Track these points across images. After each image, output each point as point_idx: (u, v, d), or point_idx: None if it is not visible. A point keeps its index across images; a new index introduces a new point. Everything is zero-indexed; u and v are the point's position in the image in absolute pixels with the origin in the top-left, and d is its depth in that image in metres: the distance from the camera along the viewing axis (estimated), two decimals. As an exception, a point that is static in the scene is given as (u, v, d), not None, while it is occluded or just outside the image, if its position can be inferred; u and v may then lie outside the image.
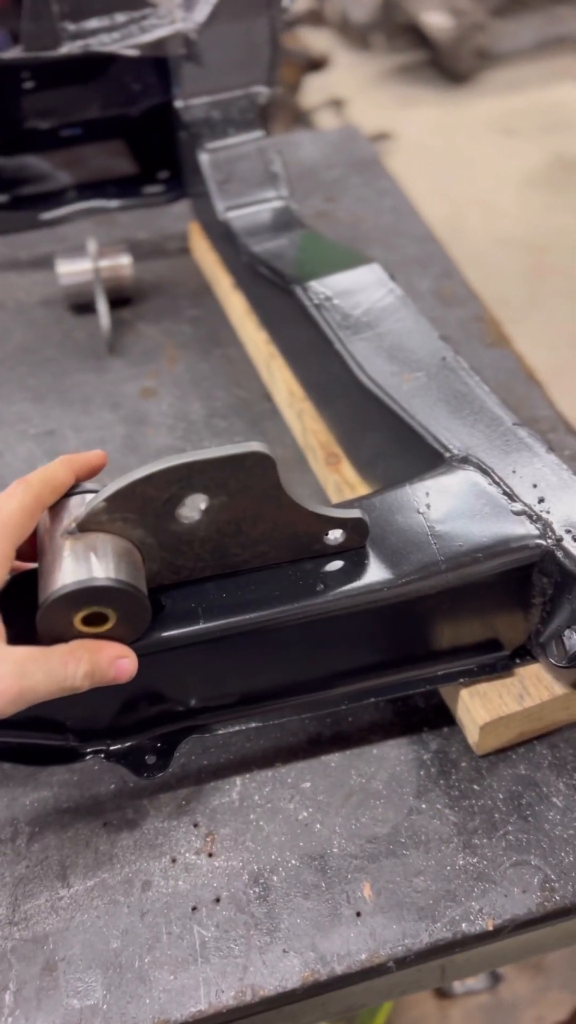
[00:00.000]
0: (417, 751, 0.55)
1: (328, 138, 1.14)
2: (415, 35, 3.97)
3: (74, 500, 0.45)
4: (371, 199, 1.02)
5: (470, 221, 2.98)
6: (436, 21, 3.72)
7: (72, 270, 0.86)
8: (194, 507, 0.44)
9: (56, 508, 0.45)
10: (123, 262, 0.87)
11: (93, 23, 0.82)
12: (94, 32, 0.81)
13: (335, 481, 0.66)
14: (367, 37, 4.06)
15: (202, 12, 0.81)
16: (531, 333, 2.52)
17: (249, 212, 0.79)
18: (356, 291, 0.65)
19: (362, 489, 0.64)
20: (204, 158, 0.81)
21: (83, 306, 0.89)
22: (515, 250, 2.86)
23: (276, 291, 0.71)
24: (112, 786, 0.54)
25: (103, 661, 0.43)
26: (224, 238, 0.81)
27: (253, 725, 0.52)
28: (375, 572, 0.47)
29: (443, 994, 0.94)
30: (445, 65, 3.83)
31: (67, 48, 0.80)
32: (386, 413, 0.57)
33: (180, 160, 0.90)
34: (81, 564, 0.41)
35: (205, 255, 0.90)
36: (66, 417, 0.79)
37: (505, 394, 0.77)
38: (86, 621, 0.43)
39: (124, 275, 0.87)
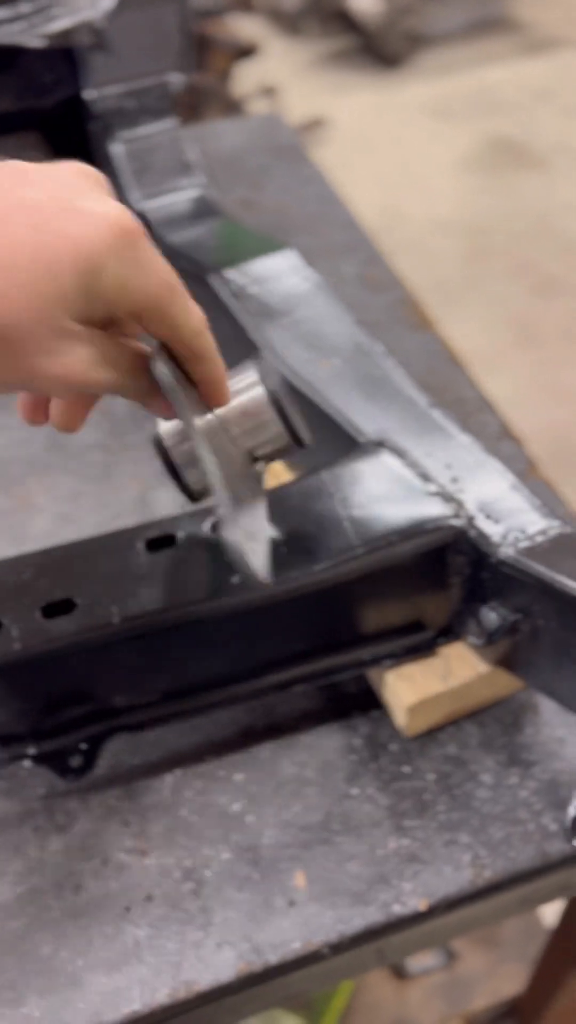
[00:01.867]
0: (348, 737, 0.55)
1: (251, 126, 1.13)
2: (346, 20, 3.96)
3: None
4: (296, 187, 1.02)
5: (407, 205, 2.99)
6: (365, 6, 3.71)
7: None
8: None
9: None
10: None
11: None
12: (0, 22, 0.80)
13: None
14: (298, 23, 4.04)
15: (108, 0, 0.80)
16: (470, 315, 2.54)
17: (165, 202, 0.78)
18: (272, 278, 0.64)
19: (285, 476, 0.64)
20: (117, 148, 0.80)
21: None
22: (452, 233, 2.88)
23: (194, 281, 0.70)
24: (41, 790, 0.53)
25: None
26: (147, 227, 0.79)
27: (180, 720, 0.51)
28: (293, 561, 0.47)
29: (400, 975, 0.95)
30: (377, 50, 3.83)
31: (-30, 40, 0.78)
32: (303, 401, 0.56)
33: (93, 152, 0.88)
34: None
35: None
36: (-12, 418, 0.77)
37: (430, 376, 0.77)
38: None
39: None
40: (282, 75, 3.62)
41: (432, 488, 0.49)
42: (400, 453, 0.51)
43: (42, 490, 0.71)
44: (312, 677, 0.52)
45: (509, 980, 0.95)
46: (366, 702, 0.56)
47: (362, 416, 0.54)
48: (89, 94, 0.83)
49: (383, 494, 0.49)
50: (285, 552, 0.47)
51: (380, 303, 0.86)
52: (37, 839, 0.51)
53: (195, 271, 0.69)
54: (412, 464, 0.50)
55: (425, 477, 0.50)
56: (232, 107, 2.96)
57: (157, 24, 0.82)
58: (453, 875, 0.49)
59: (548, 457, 0.77)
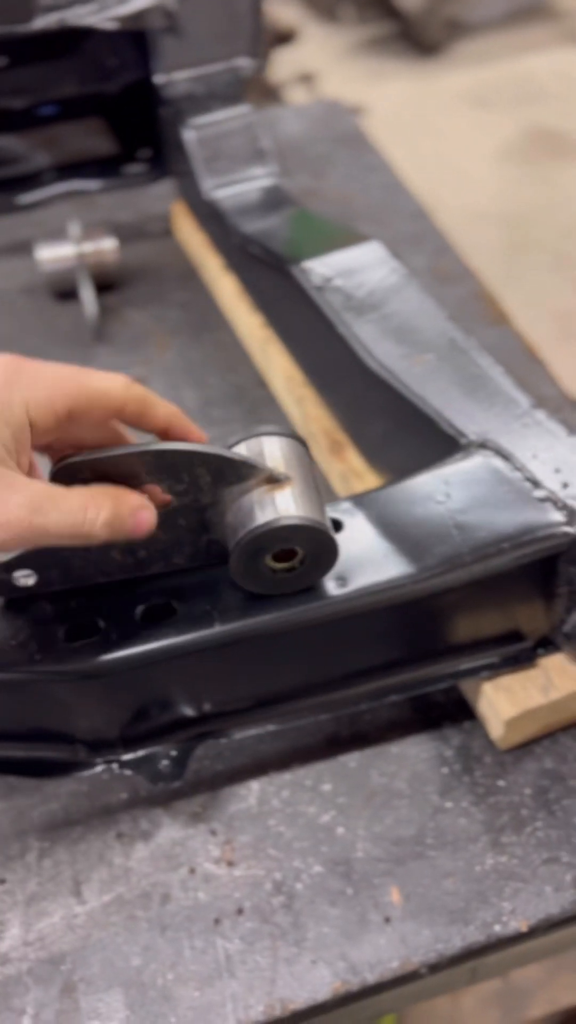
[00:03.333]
0: (438, 748, 0.53)
1: (311, 113, 1.10)
2: (384, 6, 3.91)
3: None
4: (359, 175, 0.99)
5: (446, 195, 2.94)
6: (405, -8, 3.66)
7: (54, 256, 0.82)
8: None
9: None
10: (107, 246, 0.83)
11: (68, -6, 0.78)
12: (69, 4, 0.78)
13: (340, 470, 0.64)
14: (335, 9, 3.99)
15: (182, -19, 0.78)
16: (511, 308, 2.51)
17: (238, 191, 0.76)
18: (357, 271, 0.62)
19: (369, 477, 0.62)
20: (189, 135, 0.78)
21: (67, 293, 0.85)
22: (492, 224, 2.84)
23: (271, 273, 0.68)
24: (124, 795, 0.52)
25: (124, 509, 0.39)
26: (212, 218, 0.78)
27: (269, 728, 0.50)
28: (397, 566, 0.45)
29: (455, 981, 0.94)
30: (415, 37, 3.78)
31: (42, 22, 0.76)
32: (395, 398, 0.54)
33: (162, 138, 0.86)
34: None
35: (191, 236, 0.87)
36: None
37: (508, 374, 0.75)
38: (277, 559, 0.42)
39: (108, 259, 0.84)
40: (319, 62, 3.58)
41: (542, 493, 0.47)
42: (505, 456, 0.49)
43: (112, 484, 0.69)
44: (406, 687, 0.51)
45: (566, 989, 0.93)
46: (456, 711, 0.54)
47: (462, 416, 0.52)
48: (159, 79, 0.81)
49: (490, 499, 0.47)
50: (388, 556, 0.46)
51: (452, 296, 0.83)
52: (122, 846, 0.50)
53: (273, 262, 0.67)
54: (519, 467, 0.48)
55: (534, 481, 0.48)
56: (270, 93, 2.93)
57: (229, 7, 0.80)
58: (554, 895, 0.47)
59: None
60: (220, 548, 0.44)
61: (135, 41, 0.86)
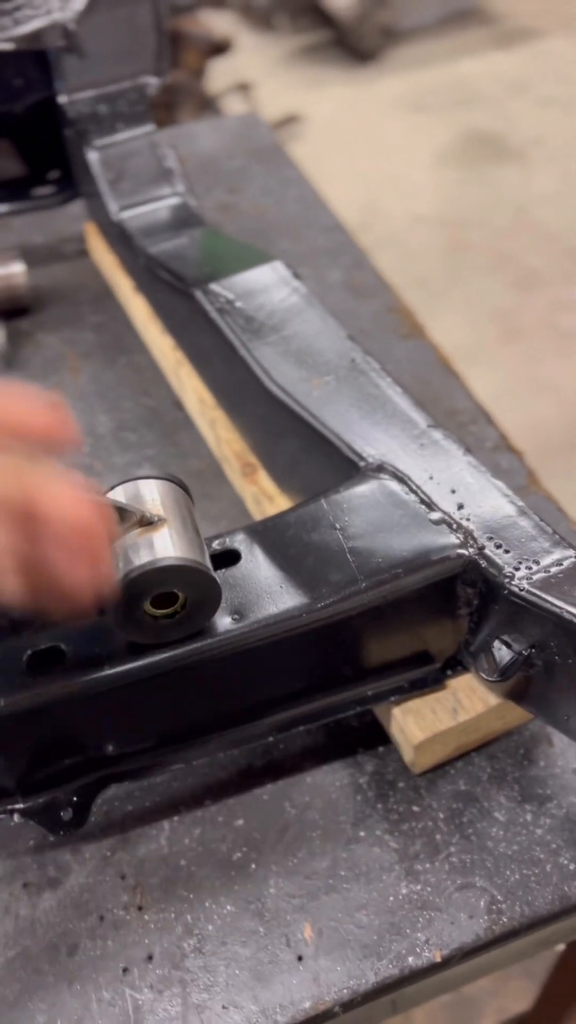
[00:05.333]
0: (353, 775, 0.52)
1: (228, 126, 1.10)
2: (318, 15, 3.93)
3: None
4: (275, 189, 0.99)
5: (385, 201, 2.96)
6: (338, 0, 3.68)
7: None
8: None
9: None
10: (16, 270, 0.82)
11: (-38, 15, 0.76)
12: (-36, 25, 0.76)
13: (253, 492, 0.63)
14: (270, 18, 4.01)
15: (80, 0, 0.77)
16: (451, 310, 2.52)
17: (144, 211, 0.75)
18: (259, 292, 0.61)
19: (281, 500, 0.61)
20: (93, 156, 0.77)
21: (-24, 319, 0.84)
22: (432, 227, 2.86)
23: (177, 295, 0.67)
24: (31, 842, 0.50)
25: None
26: (120, 240, 0.76)
27: (177, 767, 0.49)
28: (292, 597, 0.44)
29: (404, 996, 0.93)
30: (350, 44, 3.80)
31: None
32: (297, 422, 0.54)
33: (69, 159, 0.85)
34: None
35: (104, 257, 0.86)
36: (-36, 440, 0.74)
37: (423, 387, 0.75)
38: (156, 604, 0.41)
39: (18, 283, 0.82)
40: (255, 71, 3.58)
41: (437, 515, 0.47)
42: (402, 478, 0.49)
43: (23, 516, 0.68)
44: (314, 717, 0.50)
45: (516, 998, 0.93)
46: (370, 736, 0.54)
47: (360, 439, 0.51)
48: (62, 99, 0.80)
49: (386, 522, 0.47)
50: (283, 586, 0.45)
51: (368, 310, 0.83)
52: (28, 896, 0.48)
53: (179, 285, 0.66)
54: (415, 490, 0.48)
55: (429, 503, 0.47)
56: (206, 104, 2.92)
57: (131, 24, 0.79)
58: (468, 923, 0.47)
59: (531, 451, 0.75)
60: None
61: (39, 60, 0.85)
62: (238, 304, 0.61)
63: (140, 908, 0.48)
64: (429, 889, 0.48)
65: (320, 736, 0.54)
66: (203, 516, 0.66)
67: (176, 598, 0.41)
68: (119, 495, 0.43)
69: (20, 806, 0.46)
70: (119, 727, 0.46)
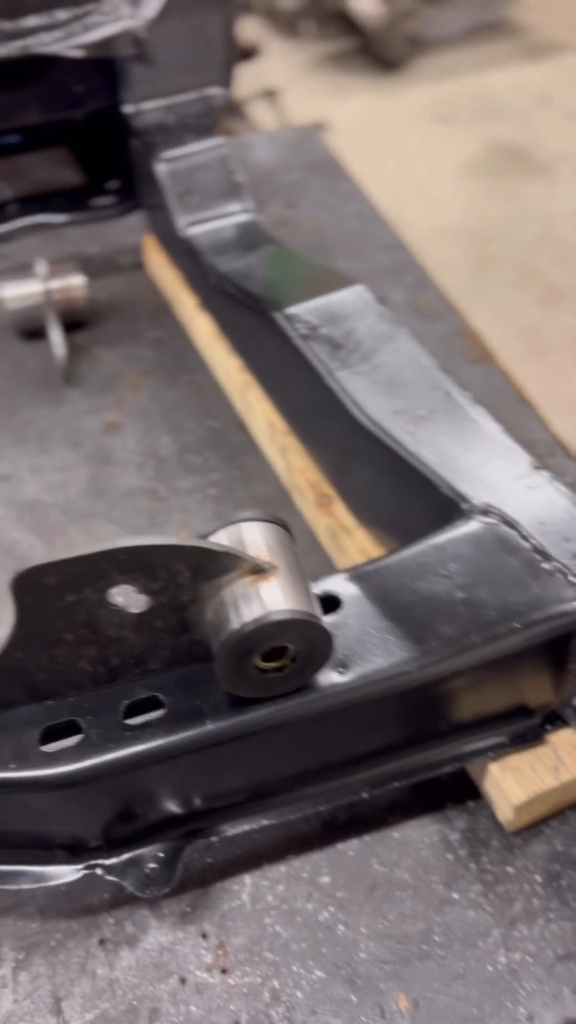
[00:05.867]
0: (442, 831, 0.50)
1: (283, 139, 1.08)
2: (345, 22, 3.92)
3: None
4: (333, 204, 0.97)
5: (410, 211, 2.94)
6: (366, 8, 3.67)
7: (19, 293, 0.78)
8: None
9: None
10: (76, 282, 0.79)
11: (31, 21, 0.74)
12: (33, 31, 0.74)
13: (328, 524, 0.61)
14: (296, 25, 3.99)
15: (151, 8, 0.74)
16: (479, 326, 2.50)
17: (213, 227, 0.72)
18: (343, 317, 0.59)
19: (359, 534, 0.59)
20: (160, 169, 0.74)
21: (33, 332, 0.81)
22: (457, 240, 2.84)
23: (251, 316, 0.65)
24: (106, 895, 0.48)
25: None
26: (186, 255, 0.74)
27: (264, 823, 0.46)
28: (400, 649, 0.42)
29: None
30: (377, 52, 3.79)
31: (4, 50, 0.72)
32: (389, 456, 0.51)
33: (132, 169, 0.82)
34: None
35: (163, 271, 0.83)
36: (22, 458, 0.71)
37: (495, 416, 0.72)
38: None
39: (77, 296, 0.80)
40: (280, 77, 3.56)
41: (551, 565, 0.44)
42: (510, 523, 0.46)
43: (84, 541, 0.65)
44: (410, 773, 0.47)
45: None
46: (459, 790, 0.51)
47: (462, 478, 0.49)
48: (128, 109, 0.78)
49: (497, 571, 0.44)
50: (390, 637, 0.42)
51: (434, 333, 0.81)
52: (106, 955, 0.46)
53: (253, 305, 0.64)
54: (526, 536, 0.45)
55: (543, 552, 0.45)
56: (232, 109, 2.90)
57: (201, 33, 0.77)
58: (572, 997, 0.44)
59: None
60: (202, 649, 0.40)
61: (102, 67, 0.83)
62: (322, 330, 0.58)
63: (224, 971, 0.45)
64: (529, 959, 0.45)
65: (406, 790, 0.51)
66: (273, 546, 0.64)
67: (285, 651, 0.39)
68: (222, 539, 0.40)
69: (104, 862, 0.44)
70: (210, 781, 0.44)
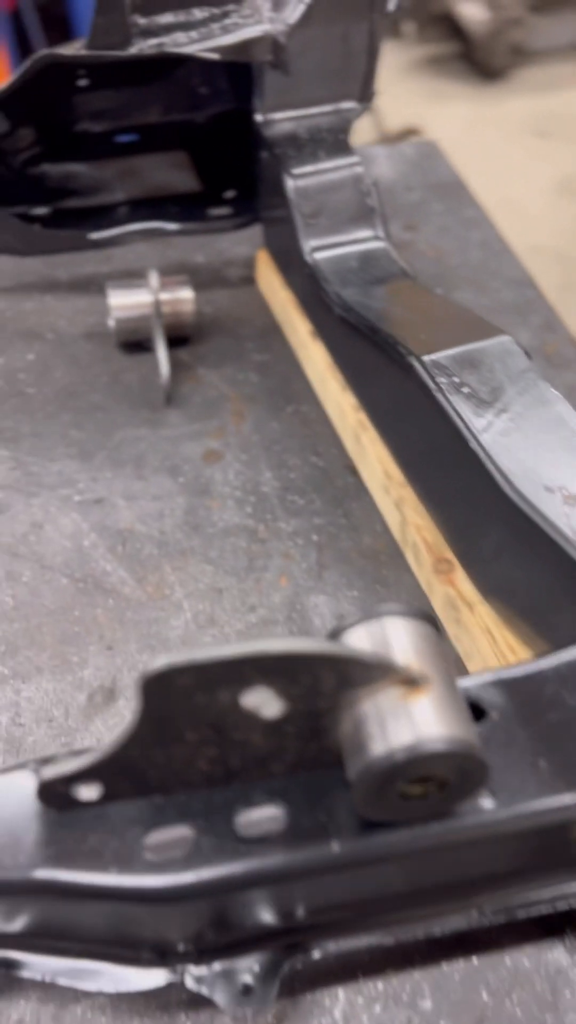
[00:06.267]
0: (559, 962, 0.45)
1: (405, 155, 1.02)
2: (448, 26, 3.83)
3: None
4: (456, 230, 0.91)
5: (500, 226, 2.87)
6: (472, 12, 3.58)
7: (126, 303, 0.74)
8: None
9: None
10: (185, 297, 0.75)
11: (167, 18, 0.70)
12: (168, 29, 0.70)
13: (446, 594, 0.56)
14: (397, 25, 3.92)
15: (294, 12, 0.70)
16: None
17: (342, 254, 0.67)
18: (488, 371, 0.54)
19: (482, 609, 0.53)
20: (290, 185, 0.70)
21: (136, 344, 0.77)
22: (547, 261, 2.75)
23: (376, 355, 0.60)
24: (184, 996, 0.43)
25: None
26: (308, 280, 0.69)
27: (369, 941, 0.41)
28: (557, 779, 0.37)
29: None
30: (478, 59, 3.70)
31: (138, 47, 0.68)
32: (540, 540, 0.46)
33: (253, 180, 0.78)
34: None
35: (275, 291, 0.79)
36: (117, 481, 0.67)
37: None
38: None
39: (185, 311, 0.76)
40: (378, 77, 3.50)
41: None
42: None
43: (178, 580, 0.61)
44: (536, 904, 0.42)
45: None
46: (581, 916, 0.46)
47: (626, 577, 0.43)
48: (259, 117, 0.73)
49: None
50: (545, 763, 0.37)
51: (564, 383, 0.75)
52: (182, 1066, 0.41)
53: (382, 345, 0.59)
54: None
55: None
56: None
57: (344, 42, 0.72)
58: None
59: None
60: (331, 756, 0.36)
61: (230, 70, 0.79)
62: (465, 384, 0.53)
63: None
64: None
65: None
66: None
67: (432, 777, 0.34)
68: (362, 638, 0.35)
69: (194, 971, 0.39)
70: (321, 896, 0.39)
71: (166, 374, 0.72)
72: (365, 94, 0.74)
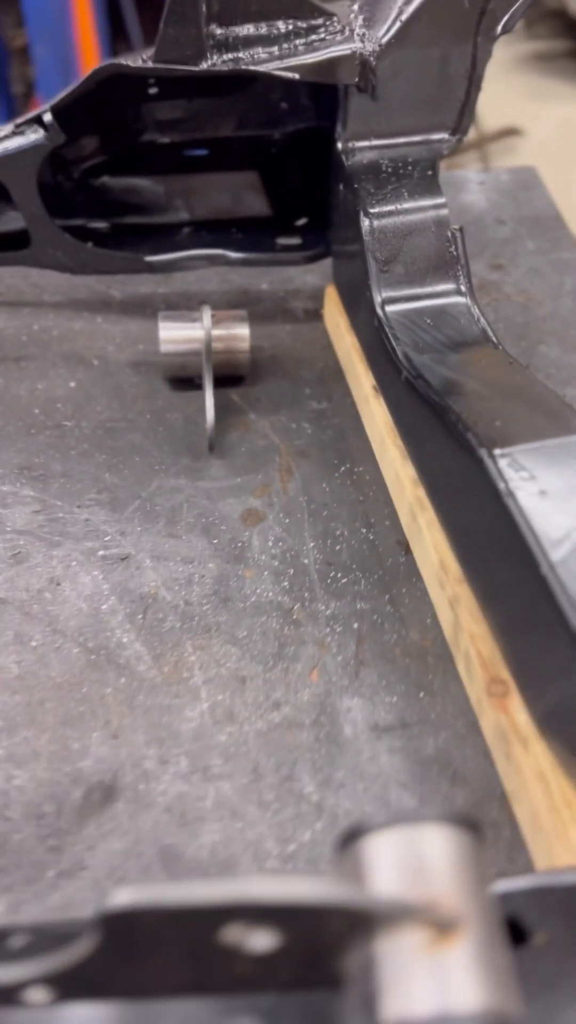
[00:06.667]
0: None
1: (497, 181, 0.94)
2: (558, 22, 3.67)
3: None
4: (549, 274, 0.83)
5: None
6: (588, 10, 3.41)
7: (177, 337, 0.68)
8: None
9: None
10: (240, 334, 0.69)
11: (247, 30, 0.63)
12: (246, 43, 0.63)
13: (497, 722, 0.49)
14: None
15: (388, 30, 0.62)
16: None
17: (417, 308, 0.60)
18: (563, 478, 0.46)
19: (537, 748, 0.46)
20: (366, 225, 0.63)
21: (184, 379, 0.72)
22: None
23: (445, 435, 0.53)
24: None
25: None
26: (375, 332, 0.62)
27: None
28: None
29: None
30: (590, 60, 3.53)
31: (212, 61, 0.62)
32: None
33: (328, 209, 0.71)
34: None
35: (341, 334, 0.72)
36: (146, 537, 0.62)
37: None
38: None
39: (240, 349, 0.69)
40: (481, 73, 3.36)
41: None
42: None
43: (198, 662, 0.55)
44: None
45: None
46: None
47: None
48: (339, 145, 0.66)
49: None
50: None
51: None
52: None
53: (450, 425, 0.51)
54: None
55: None
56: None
57: (441, 66, 0.64)
58: None
59: None
60: (333, 979, 0.29)
61: (314, 84, 0.72)
62: (541, 490, 0.46)
63: None
64: None
65: None
66: (417, 719, 0.52)
67: None
68: (386, 850, 0.29)
69: None
70: None
71: (211, 421, 0.66)
72: (460, 125, 0.67)
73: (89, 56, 2.08)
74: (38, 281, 0.82)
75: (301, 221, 0.75)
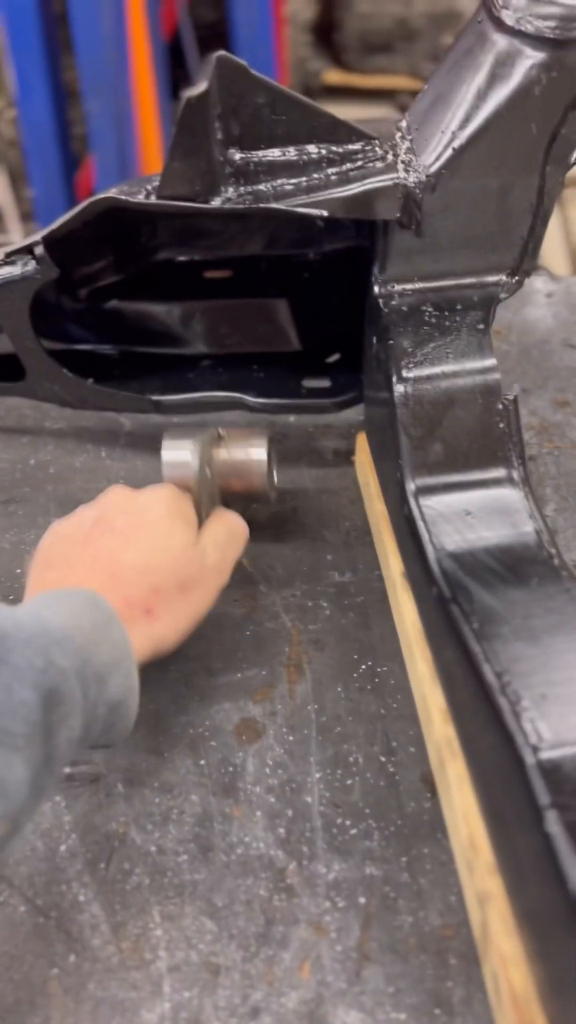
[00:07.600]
0: None
1: (570, 293, 0.82)
2: None
3: None
4: (624, 415, 0.71)
5: None
6: None
7: (175, 460, 0.57)
8: None
9: None
10: (256, 456, 0.58)
11: (272, 154, 0.54)
12: (270, 170, 0.54)
13: None
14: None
15: (438, 158, 0.52)
16: None
17: (456, 503, 0.50)
18: None
19: None
20: (400, 392, 0.52)
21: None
22: None
23: (481, 697, 0.42)
24: None
25: None
26: (405, 521, 0.52)
27: None
28: None
29: None
30: None
31: (227, 196, 0.52)
32: None
33: (362, 350, 0.61)
34: None
35: (372, 497, 0.62)
36: (122, 751, 0.52)
37: None
38: None
39: (255, 471, 0.58)
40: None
41: None
42: None
43: (165, 938, 0.45)
44: None
45: None
46: None
47: None
48: (376, 288, 0.56)
49: None
50: None
51: None
52: None
53: (489, 696, 0.40)
54: None
55: None
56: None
57: (500, 200, 0.54)
58: None
59: None
60: None
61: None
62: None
63: None
64: None
65: None
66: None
67: None
68: None
69: None
70: None
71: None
72: (522, 266, 0.56)
73: (148, 112, 2.02)
74: (42, 403, 0.73)
75: (333, 357, 0.65)
